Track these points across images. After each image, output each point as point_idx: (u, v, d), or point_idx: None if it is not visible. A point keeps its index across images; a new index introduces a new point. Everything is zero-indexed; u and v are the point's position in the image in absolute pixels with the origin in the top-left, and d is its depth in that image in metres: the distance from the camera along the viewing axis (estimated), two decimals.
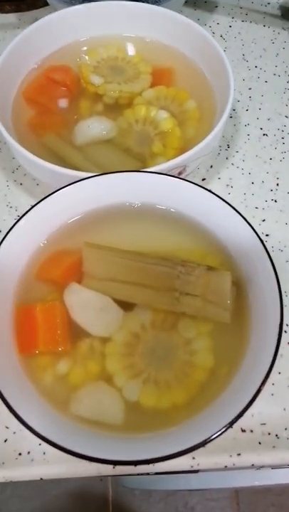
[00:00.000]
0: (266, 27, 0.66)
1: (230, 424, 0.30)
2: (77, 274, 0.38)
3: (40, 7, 0.67)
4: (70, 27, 0.52)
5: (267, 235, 0.49)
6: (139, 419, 0.33)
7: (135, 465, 0.29)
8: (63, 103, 0.50)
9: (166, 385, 0.34)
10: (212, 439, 0.29)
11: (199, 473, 0.52)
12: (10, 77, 0.49)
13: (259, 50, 0.63)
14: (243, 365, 0.35)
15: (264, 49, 0.63)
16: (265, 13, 0.67)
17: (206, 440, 0.29)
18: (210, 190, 0.38)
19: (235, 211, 0.38)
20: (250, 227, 0.37)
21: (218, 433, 0.29)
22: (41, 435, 0.29)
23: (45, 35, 0.51)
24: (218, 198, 0.38)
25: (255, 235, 0.37)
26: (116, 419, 0.33)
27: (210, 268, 0.36)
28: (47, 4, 0.63)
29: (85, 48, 0.53)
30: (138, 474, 0.48)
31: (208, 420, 0.32)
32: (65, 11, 0.51)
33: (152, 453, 0.29)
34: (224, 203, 0.38)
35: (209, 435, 0.29)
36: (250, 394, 0.31)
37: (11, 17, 0.67)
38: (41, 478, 0.38)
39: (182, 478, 0.75)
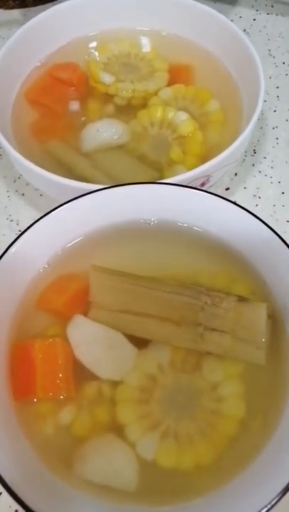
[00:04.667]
0: None
1: (278, 498, 0.24)
2: (83, 303, 0.33)
3: (47, 2, 0.62)
4: (77, 21, 0.48)
5: None
6: (156, 484, 0.28)
7: None
8: (70, 105, 0.45)
9: (188, 440, 0.29)
10: None
11: None
12: (10, 75, 0.45)
13: (287, 44, 0.58)
14: (283, 414, 0.29)
15: None
16: None
17: None
18: (239, 205, 0.33)
19: (269, 229, 0.32)
20: (287, 248, 0.31)
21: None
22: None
23: (50, 29, 0.47)
24: (248, 214, 0.33)
25: None
26: (128, 484, 0.28)
27: (241, 299, 0.31)
28: None
29: (94, 44, 0.49)
30: None
31: (242, 490, 0.26)
32: (71, 3, 0.47)
33: None
34: (256, 219, 0.33)
35: None
36: None
37: (15, 13, 0.62)
38: None
39: None
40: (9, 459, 0.26)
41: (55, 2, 0.57)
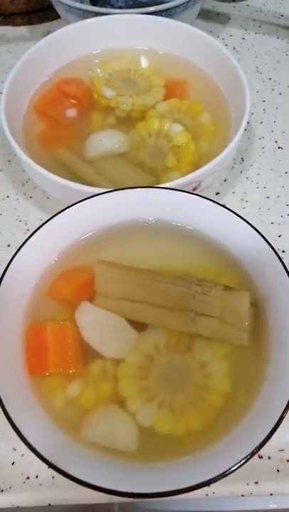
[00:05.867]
0: (280, 39, 0.65)
1: (251, 454, 0.28)
2: (89, 292, 0.37)
3: (52, 20, 0.67)
4: (82, 40, 0.51)
5: (283, 251, 0.48)
6: (153, 446, 0.32)
7: (148, 498, 0.27)
8: (75, 116, 0.49)
9: (181, 411, 0.33)
10: (231, 472, 0.28)
11: None
12: (22, 89, 0.48)
13: (273, 62, 0.62)
14: (262, 389, 0.33)
15: (278, 61, 0.62)
16: (278, 25, 0.66)
17: (223, 473, 0.27)
18: (226, 207, 0.37)
19: (252, 228, 0.36)
20: (268, 245, 0.36)
21: (237, 465, 0.28)
22: (49, 461, 0.28)
23: (58, 48, 0.50)
24: (234, 215, 0.37)
25: (273, 252, 0.35)
26: (129, 447, 0.32)
27: (227, 288, 0.35)
28: (59, 17, 0.63)
29: (97, 61, 0.52)
30: None
31: (225, 450, 0.30)
32: (77, 25, 0.50)
33: (167, 485, 0.28)
34: (241, 219, 0.37)
35: (227, 467, 0.28)
36: (272, 421, 0.29)
37: (22, 30, 0.66)
38: (49, 504, 0.37)
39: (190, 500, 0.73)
40: (28, 423, 0.30)
41: (61, 22, 0.62)
